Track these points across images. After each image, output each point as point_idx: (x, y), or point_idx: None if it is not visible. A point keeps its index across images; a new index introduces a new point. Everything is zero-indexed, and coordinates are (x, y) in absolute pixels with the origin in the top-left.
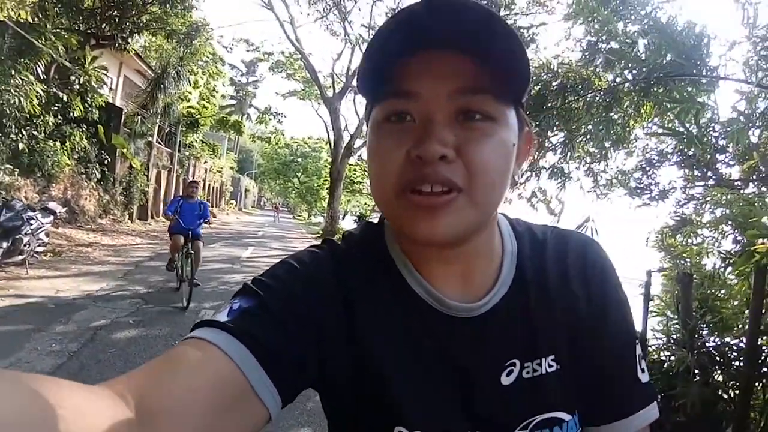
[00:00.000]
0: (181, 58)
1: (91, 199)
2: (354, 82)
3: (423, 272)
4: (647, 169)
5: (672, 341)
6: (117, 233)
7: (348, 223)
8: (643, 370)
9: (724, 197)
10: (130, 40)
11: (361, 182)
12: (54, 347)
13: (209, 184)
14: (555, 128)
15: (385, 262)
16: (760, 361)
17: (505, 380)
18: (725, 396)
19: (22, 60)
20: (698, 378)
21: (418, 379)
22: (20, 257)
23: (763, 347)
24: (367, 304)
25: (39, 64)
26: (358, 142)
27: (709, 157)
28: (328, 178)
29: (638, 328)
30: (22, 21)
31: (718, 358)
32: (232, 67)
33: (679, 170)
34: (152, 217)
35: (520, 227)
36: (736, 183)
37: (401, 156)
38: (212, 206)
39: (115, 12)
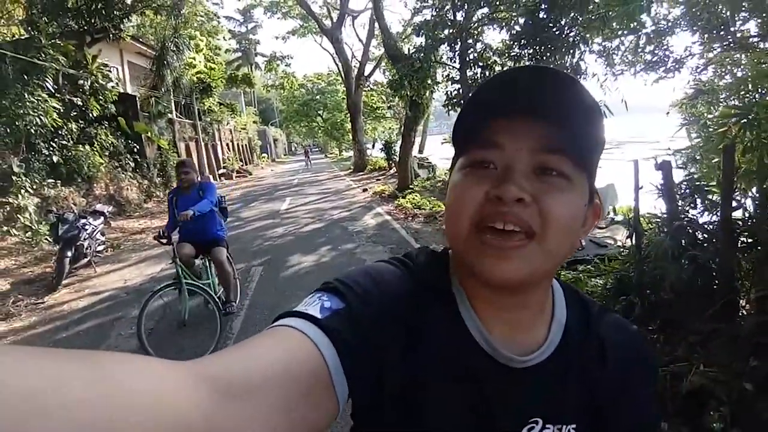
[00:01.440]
0: (175, 29)
1: (132, 188)
2: (348, 7)
3: (476, 311)
4: (659, 39)
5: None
6: (164, 213)
7: (378, 152)
8: None
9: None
10: (121, 26)
11: (381, 107)
12: (134, 330)
13: (237, 144)
14: (570, 26)
15: (445, 291)
16: (737, 233)
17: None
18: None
19: (30, 80)
20: (682, 258)
21: (450, 411)
22: (85, 260)
23: (738, 221)
24: (424, 328)
25: (47, 79)
26: (368, 68)
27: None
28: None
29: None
30: (15, 39)
31: (703, 236)
32: (229, 19)
33: (693, 36)
34: None
35: (573, 298)
36: (752, 39)
37: (480, 195)
38: (246, 164)
39: (100, 4)
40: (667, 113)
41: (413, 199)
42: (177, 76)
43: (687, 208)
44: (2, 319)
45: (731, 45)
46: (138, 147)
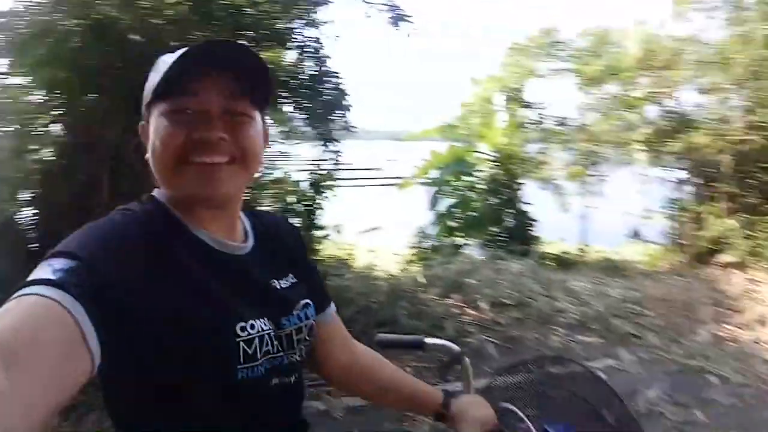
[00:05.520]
0: None
1: None
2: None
3: (203, 227)
4: None
5: None
6: None
7: None
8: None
9: None
10: None
11: None
12: None
13: None
14: None
15: (173, 222)
16: None
17: (278, 286)
18: None
19: None
20: None
21: (215, 296)
22: None
23: None
24: (166, 254)
25: None
26: None
27: None
28: None
29: None
30: None
31: None
32: None
33: None
34: None
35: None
36: None
37: (182, 137)
38: None
39: None
40: None
41: None
42: None
43: None
44: None
45: None
46: None
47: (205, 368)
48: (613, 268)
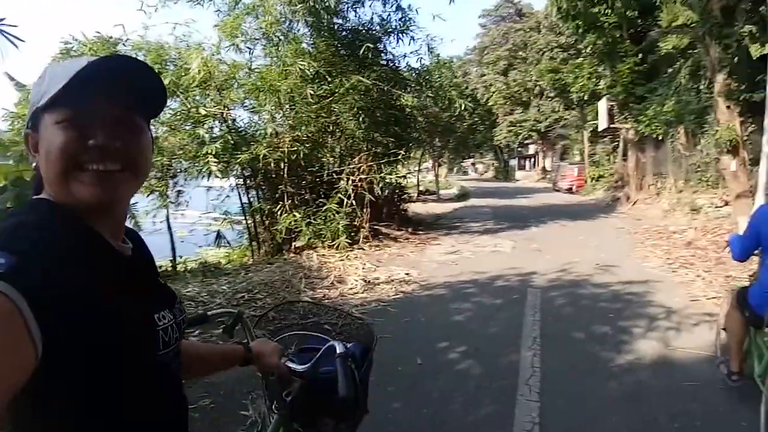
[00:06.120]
0: None
1: None
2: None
3: (98, 227)
4: None
5: None
6: None
7: None
8: None
9: None
10: None
11: None
12: None
13: None
14: None
15: (74, 224)
16: None
17: (161, 282)
18: None
19: None
20: None
21: (122, 291)
22: None
23: None
24: (85, 254)
25: None
26: None
27: None
28: None
29: None
30: None
31: None
32: None
33: None
34: None
35: None
36: None
37: (77, 144)
38: None
39: None
40: None
41: None
42: None
43: None
44: None
45: None
46: None
47: (133, 357)
48: (212, 270)
